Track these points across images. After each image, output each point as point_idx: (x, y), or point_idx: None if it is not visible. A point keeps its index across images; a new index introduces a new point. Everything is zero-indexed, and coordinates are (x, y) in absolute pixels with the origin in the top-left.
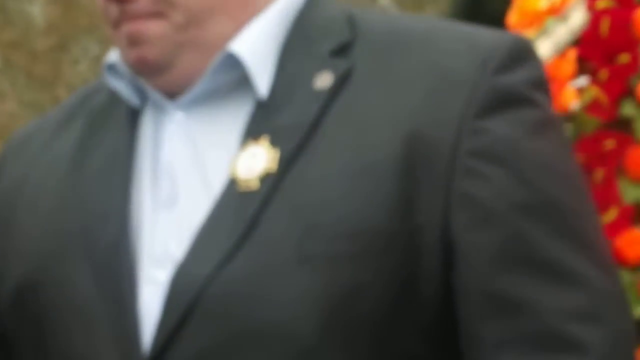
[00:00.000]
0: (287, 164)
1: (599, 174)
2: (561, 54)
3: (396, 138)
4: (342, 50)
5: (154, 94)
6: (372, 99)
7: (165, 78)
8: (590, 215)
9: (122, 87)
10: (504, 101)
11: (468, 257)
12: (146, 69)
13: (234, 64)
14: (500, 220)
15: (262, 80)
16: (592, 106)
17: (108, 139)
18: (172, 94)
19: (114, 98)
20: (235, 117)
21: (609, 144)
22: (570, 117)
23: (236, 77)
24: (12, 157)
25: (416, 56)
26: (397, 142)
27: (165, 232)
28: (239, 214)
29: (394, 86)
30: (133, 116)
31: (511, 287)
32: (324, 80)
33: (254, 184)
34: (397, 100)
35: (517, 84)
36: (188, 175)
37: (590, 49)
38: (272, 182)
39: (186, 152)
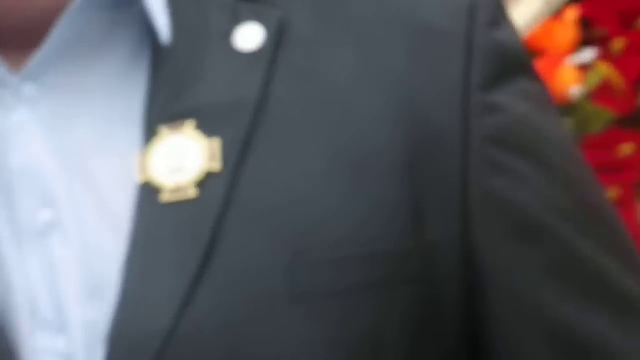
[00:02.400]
0: (236, 159)
1: (612, 192)
2: (556, 15)
3: (388, 120)
4: None
5: None
6: (333, 63)
7: None
8: (613, 211)
9: None
10: (508, 66)
11: (506, 280)
12: None
13: None
14: (546, 233)
15: (164, 26)
16: (602, 92)
17: None
18: (13, 55)
19: None
20: (126, 86)
21: (627, 148)
22: (569, 108)
23: (116, 20)
24: None
25: None
26: (392, 126)
27: (46, 277)
28: (185, 236)
29: (358, 43)
30: None
31: (573, 320)
32: (249, 36)
33: (190, 192)
34: (371, 64)
35: (514, 43)
36: (64, 185)
37: (598, 8)
38: (219, 187)
39: (53, 152)
